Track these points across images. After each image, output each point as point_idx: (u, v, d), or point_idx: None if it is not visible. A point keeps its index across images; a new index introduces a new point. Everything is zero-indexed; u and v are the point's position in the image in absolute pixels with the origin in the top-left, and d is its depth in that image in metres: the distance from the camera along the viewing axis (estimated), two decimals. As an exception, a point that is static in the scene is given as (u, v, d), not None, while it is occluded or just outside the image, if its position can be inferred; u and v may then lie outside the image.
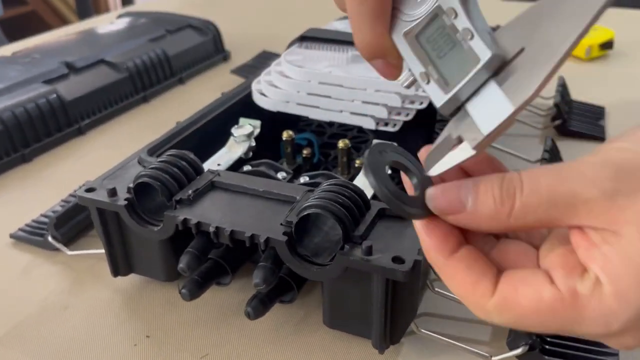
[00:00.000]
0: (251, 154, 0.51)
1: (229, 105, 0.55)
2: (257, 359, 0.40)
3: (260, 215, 0.39)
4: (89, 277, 0.47)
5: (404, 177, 0.27)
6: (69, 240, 0.51)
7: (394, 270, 0.33)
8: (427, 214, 0.25)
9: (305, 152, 0.55)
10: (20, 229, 0.53)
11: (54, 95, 0.70)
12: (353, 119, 0.52)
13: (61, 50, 0.80)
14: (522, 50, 0.24)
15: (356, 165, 0.52)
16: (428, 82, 0.26)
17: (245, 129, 0.51)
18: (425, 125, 0.56)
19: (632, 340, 0.22)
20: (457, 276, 0.25)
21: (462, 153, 0.24)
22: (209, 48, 0.93)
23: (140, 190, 0.41)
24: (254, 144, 0.51)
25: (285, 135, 0.52)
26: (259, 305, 0.39)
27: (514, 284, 0.23)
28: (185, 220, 0.38)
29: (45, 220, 0.53)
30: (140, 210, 0.41)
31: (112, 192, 0.41)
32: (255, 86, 0.57)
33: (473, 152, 0.24)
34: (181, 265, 0.39)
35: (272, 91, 0.55)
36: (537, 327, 0.23)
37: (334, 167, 0.56)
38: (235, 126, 0.51)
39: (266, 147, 0.55)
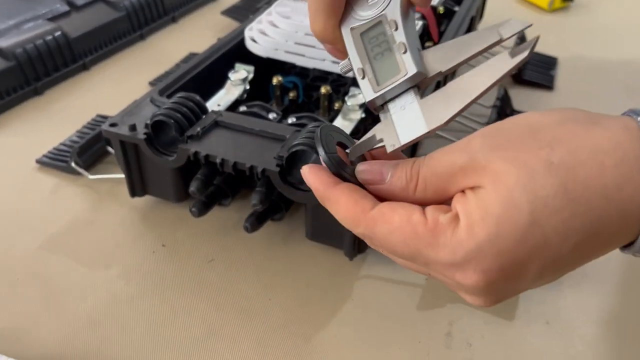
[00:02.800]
0: (245, 95, 0.59)
1: (225, 51, 0.62)
2: (252, 264, 0.50)
3: (257, 150, 0.48)
4: (109, 198, 0.57)
5: (341, 151, 0.33)
6: (89, 166, 0.59)
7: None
8: (355, 182, 0.31)
9: (291, 94, 0.63)
10: (45, 156, 0.61)
11: (59, 33, 0.76)
12: (334, 67, 0.60)
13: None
14: (439, 73, 0.30)
15: (335, 108, 0.61)
16: (363, 77, 0.32)
17: (241, 73, 0.58)
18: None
19: (475, 276, 0.25)
20: (341, 199, 0.29)
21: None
22: (199, -13, 0.98)
23: (156, 126, 0.49)
24: (248, 87, 0.59)
25: (275, 80, 0.60)
26: (255, 221, 0.49)
27: (392, 206, 0.28)
28: (196, 153, 0.47)
29: (65, 148, 0.61)
30: (156, 143, 0.50)
31: (133, 127, 0.50)
32: (247, 33, 0.64)
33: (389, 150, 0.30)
34: (192, 188, 0.49)
35: (263, 39, 0.62)
36: (398, 245, 0.27)
37: (317, 109, 0.64)
38: (232, 71, 0.59)
39: (258, 87, 0.63)
